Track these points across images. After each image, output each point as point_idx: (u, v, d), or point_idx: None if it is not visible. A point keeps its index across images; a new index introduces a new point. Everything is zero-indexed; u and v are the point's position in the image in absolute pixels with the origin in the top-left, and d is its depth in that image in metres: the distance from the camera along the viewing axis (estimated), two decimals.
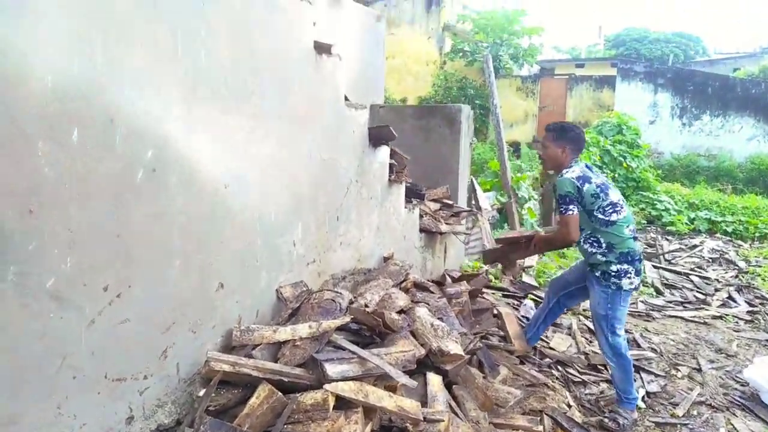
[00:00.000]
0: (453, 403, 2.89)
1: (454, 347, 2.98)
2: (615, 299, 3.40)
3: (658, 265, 7.74)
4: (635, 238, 3.43)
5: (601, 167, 11.15)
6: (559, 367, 4.02)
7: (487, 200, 7.58)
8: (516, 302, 5.27)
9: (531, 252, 3.89)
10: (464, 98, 17.30)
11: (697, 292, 6.74)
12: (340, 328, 2.77)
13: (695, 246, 9.29)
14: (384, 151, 4.01)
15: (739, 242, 9.74)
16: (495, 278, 5.77)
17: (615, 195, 3.41)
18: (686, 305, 6.17)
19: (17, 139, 1.74)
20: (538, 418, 3.17)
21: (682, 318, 5.68)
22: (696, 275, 7.42)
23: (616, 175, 11.41)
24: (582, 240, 3.47)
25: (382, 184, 4.04)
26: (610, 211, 3.35)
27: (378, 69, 5.65)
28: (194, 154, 2.39)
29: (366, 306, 2.98)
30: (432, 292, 3.80)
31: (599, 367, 4.11)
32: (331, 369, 2.40)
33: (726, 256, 8.74)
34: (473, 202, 7.08)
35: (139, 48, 2.09)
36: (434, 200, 5.34)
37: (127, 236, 2.12)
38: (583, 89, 18.19)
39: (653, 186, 11.57)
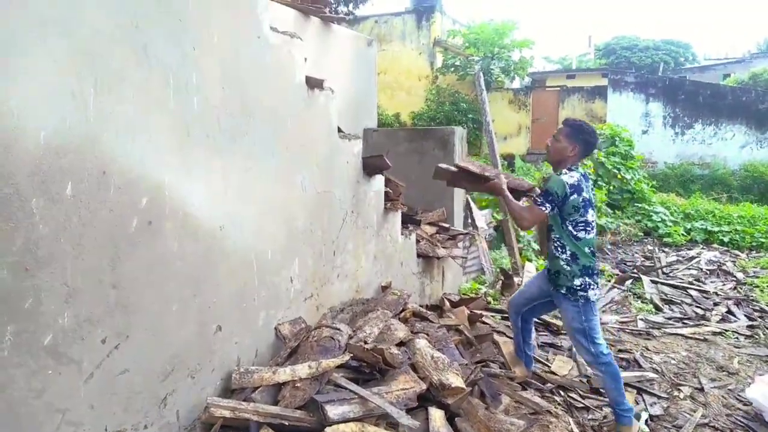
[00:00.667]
0: None
1: (455, 380, 2.96)
2: (587, 310, 3.43)
3: (657, 279, 7.74)
4: (594, 255, 3.47)
5: (595, 180, 11.17)
6: (561, 392, 4.00)
7: (483, 218, 7.59)
8: None
9: (484, 190, 3.83)
10: (457, 112, 17.37)
11: (696, 306, 6.72)
12: (339, 366, 2.75)
13: (692, 257, 9.29)
14: (379, 180, 4.02)
15: (736, 252, 9.75)
16: (494, 299, 5.76)
17: (591, 215, 3.43)
18: (685, 321, 6.16)
19: (11, 198, 1.73)
20: None
21: (682, 335, 5.66)
22: (694, 289, 7.41)
23: (611, 188, 11.44)
24: (550, 241, 3.53)
25: (378, 212, 4.05)
26: (581, 227, 3.38)
27: (370, 93, 5.69)
28: (189, 198, 2.38)
29: (365, 342, 2.96)
30: (431, 321, 3.79)
31: (601, 390, 4.09)
32: (332, 411, 2.38)
33: (723, 267, 8.74)
34: (469, 221, 7.08)
35: (131, 98, 2.09)
36: (430, 224, 5.34)
37: (123, 286, 2.12)
38: (575, 100, 18.29)
39: (648, 197, 11.59)
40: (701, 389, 4.32)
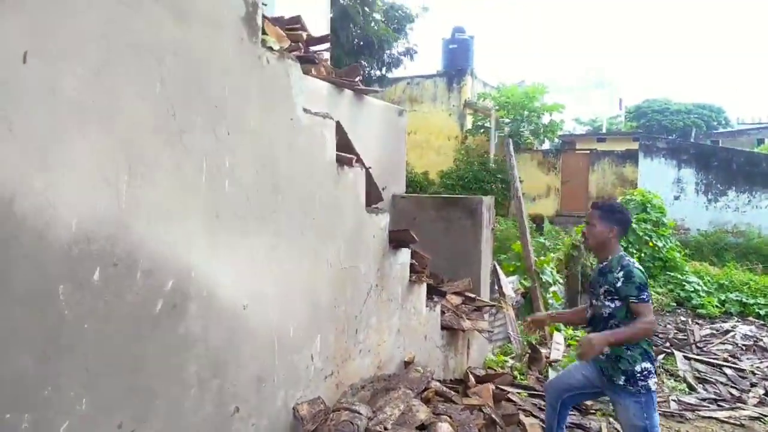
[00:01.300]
0: None
1: None
2: (649, 404, 3.23)
3: (690, 355, 7.46)
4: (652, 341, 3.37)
5: (626, 247, 10.99)
6: None
7: (510, 285, 7.48)
8: (542, 402, 5.07)
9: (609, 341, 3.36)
10: (485, 172, 17.44)
11: (732, 386, 6.44)
12: None
13: (727, 331, 8.97)
14: (405, 253, 4.00)
15: None
16: (520, 374, 5.60)
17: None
18: (720, 404, 5.88)
19: (40, 285, 1.75)
20: None
21: (717, 419, 5.40)
22: (730, 366, 7.12)
23: (643, 255, 11.22)
24: (609, 329, 3.29)
25: (403, 285, 4.01)
26: None
27: (400, 160, 5.75)
28: (214, 278, 2.39)
29: (385, 428, 2.88)
30: (455, 403, 3.68)
31: None
32: None
33: (760, 343, 8.42)
34: (496, 287, 6.98)
35: (163, 183, 2.13)
36: (456, 293, 5.27)
37: (143, 370, 2.10)
38: (605, 164, 18.23)
39: (681, 266, 11.33)
40: None
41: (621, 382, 3.25)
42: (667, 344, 7.96)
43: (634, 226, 11.48)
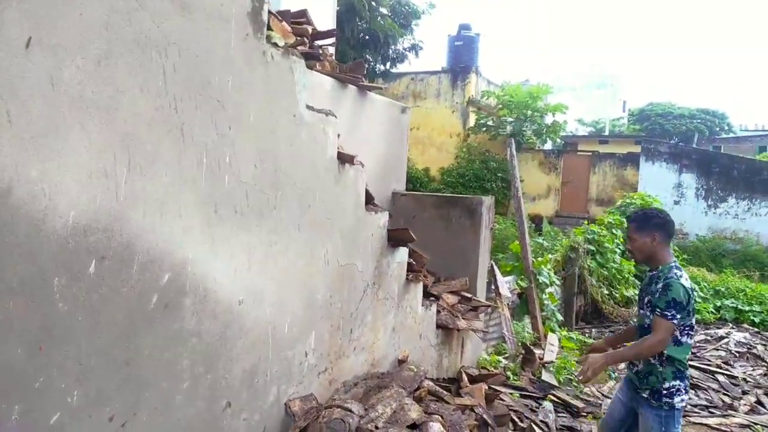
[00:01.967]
0: None
1: None
2: (669, 421, 3.13)
3: None
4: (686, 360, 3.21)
5: (623, 252, 10.99)
6: None
7: (506, 285, 7.48)
8: (535, 404, 5.09)
9: (613, 360, 3.40)
10: (486, 171, 17.43)
11: (724, 393, 6.46)
12: None
13: (721, 338, 9.00)
14: (403, 251, 3.99)
15: (767, 335, 9.43)
16: (513, 374, 5.61)
17: (694, 319, 3.21)
18: (712, 410, 5.90)
19: (34, 277, 1.74)
20: None
21: (707, 425, 5.42)
22: (722, 373, 7.14)
23: None
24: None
25: (400, 283, 4.00)
26: (686, 332, 3.13)
27: (401, 157, 5.73)
28: (210, 273, 2.38)
29: (376, 426, 2.88)
30: (447, 402, 3.68)
31: None
32: None
33: (753, 350, 8.44)
34: (493, 287, 6.98)
35: (163, 177, 2.12)
36: (452, 293, 5.26)
37: (136, 363, 2.10)
38: (606, 166, 18.22)
39: None
40: None
41: (645, 395, 3.20)
42: None
43: None
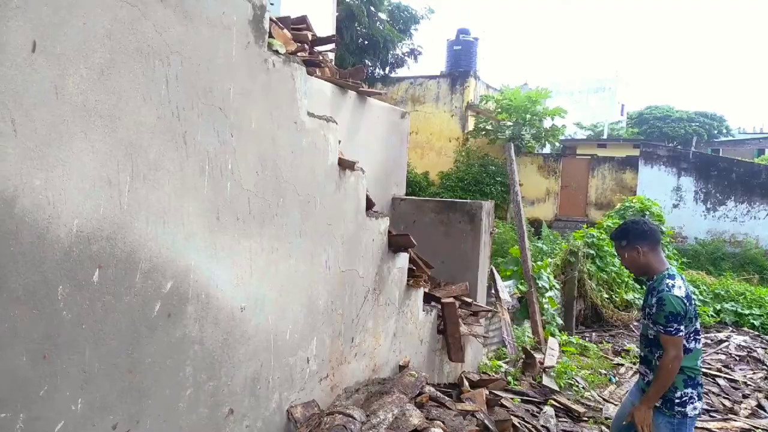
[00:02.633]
0: None
1: None
2: (682, 429, 3.10)
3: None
4: (699, 366, 3.18)
5: None
6: None
7: (506, 290, 7.48)
8: (536, 408, 5.09)
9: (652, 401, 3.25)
10: (485, 175, 17.45)
11: (724, 397, 6.46)
12: None
13: (722, 341, 8.99)
14: (403, 257, 4.00)
15: (767, 338, 9.43)
16: (514, 380, 5.61)
17: (699, 322, 3.18)
18: (713, 414, 5.90)
19: (39, 285, 1.75)
20: None
21: (708, 430, 5.42)
22: (722, 377, 7.14)
23: None
24: (655, 359, 3.18)
25: (401, 289, 4.01)
26: (692, 338, 3.11)
27: (401, 162, 5.74)
28: (213, 280, 2.39)
29: None
30: (448, 408, 3.68)
31: None
32: None
33: (753, 354, 8.44)
34: (493, 291, 6.99)
35: (165, 185, 2.13)
36: (453, 297, 5.26)
37: (139, 371, 2.10)
38: (605, 170, 18.25)
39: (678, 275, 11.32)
40: None
41: (658, 404, 3.14)
42: None
43: None
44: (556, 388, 5.65)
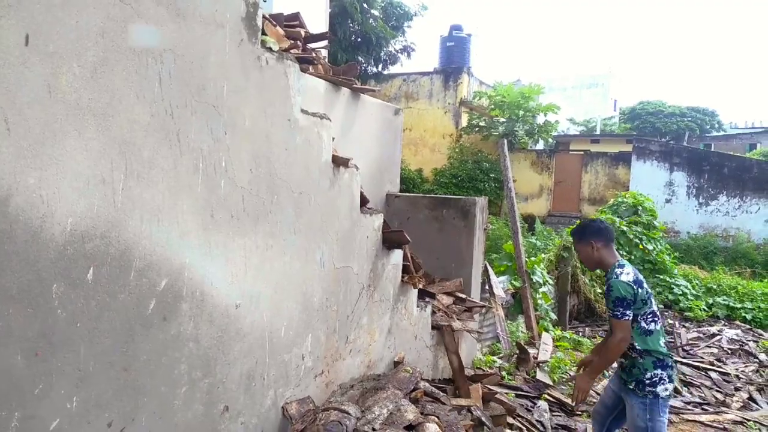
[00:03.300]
0: None
1: None
2: (654, 409, 3.30)
3: (676, 358, 7.53)
4: (668, 347, 3.38)
5: (616, 249, 11.05)
6: None
7: (500, 285, 7.51)
8: (530, 403, 5.12)
9: (594, 374, 3.61)
10: (479, 171, 17.48)
11: (716, 390, 6.52)
12: None
13: (714, 335, 9.06)
14: (398, 253, 4.01)
15: (759, 331, 9.50)
16: (508, 374, 5.64)
17: (655, 304, 3.40)
18: (705, 407, 5.95)
19: (33, 284, 1.75)
20: None
21: (701, 422, 5.47)
22: (715, 370, 7.20)
23: (632, 257, 11.29)
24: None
25: (395, 285, 4.02)
26: (650, 320, 3.32)
27: (395, 159, 5.75)
28: (207, 278, 2.39)
29: (373, 429, 2.89)
30: (443, 403, 3.70)
31: None
32: None
33: (745, 347, 8.51)
34: (487, 287, 7.01)
35: (159, 183, 2.13)
36: (447, 293, 5.29)
37: (134, 369, 2.11)
38: (598, 165, 18.31)
39: (670, 269, 11.41)
40: None
41: (631, 386, 3.37)
42: None
43: (624, 228, 11.56)
44: (550, 382, 5.69)
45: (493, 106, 18.06)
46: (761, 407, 6.00)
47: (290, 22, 3.93)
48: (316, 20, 8.22)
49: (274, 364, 2.85)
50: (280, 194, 2.78)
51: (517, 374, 5.78)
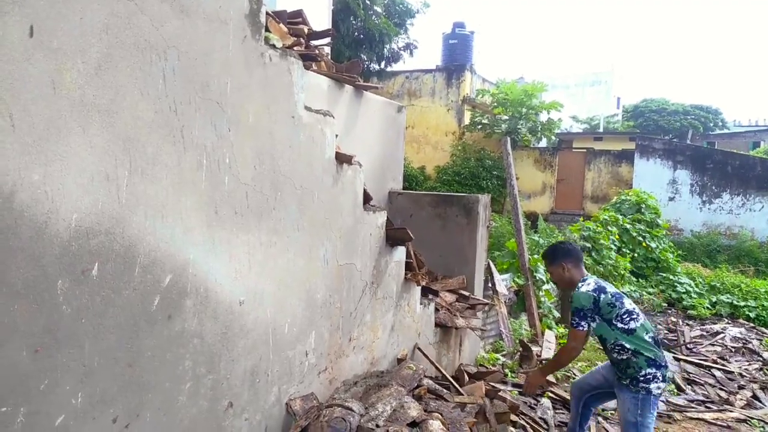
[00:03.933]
0: None
1: None
2: (645, 405, 3.38)
3: (679, 356, 7.52)
4: (658, 345, 3.46)
5: (620, 247, 11.03)
6: None
7: (503, 283, 7.51)
8: (533, 400, 5.11)
9: (545, 373, 4.01)
10: (482, 169, 17.45)
11: (720, 388, 6.51)
12: None
13: (717, 333, 9.04)
14: (401, 251, 4.01)
15: (762, 329, 9.48)
16: (511, 372, 5.64)
17: (629, 304, 3.50)
18: (709, 405, 5.94)
19: (38, 280, 1.76)
20: None
21: (704, 420, 5.46)
22: (718, 368, 7.19)
23: (635, 255, 11.27)
24: (609, 350, 3.52)
25: (398, 282, 4.02)
26: (628, 319, 3.42)
27: (397, 156, 5.75)
28: (211, 274, 2.40)
29: (377, 426, 2.90)
30: (446, 400, 3.71)
31: None
32: None
33: (749, 345, 8.49)
34: (490, 284, 7.01)
35: (163, 179, 2.13)
36: (450, 291, 5.29)
37: (139, 365, 2.11)
38: (601, 163, 18.26)
39: (673, 267, 11.39)
40: None
41: (626, 382, 3.45)
42: None
43: (627, 226, 11.54)
44: (553, 380, 5.68)
45: (495, 104, 18.00)
46: (765, 405, 5.99)
47: (293, 19, 3.93)
48: (319, 17, 8.21)
49: (278, 361, 2.86)
50: (283, 191, 2.78)
51: (520, 371, 5.78)
